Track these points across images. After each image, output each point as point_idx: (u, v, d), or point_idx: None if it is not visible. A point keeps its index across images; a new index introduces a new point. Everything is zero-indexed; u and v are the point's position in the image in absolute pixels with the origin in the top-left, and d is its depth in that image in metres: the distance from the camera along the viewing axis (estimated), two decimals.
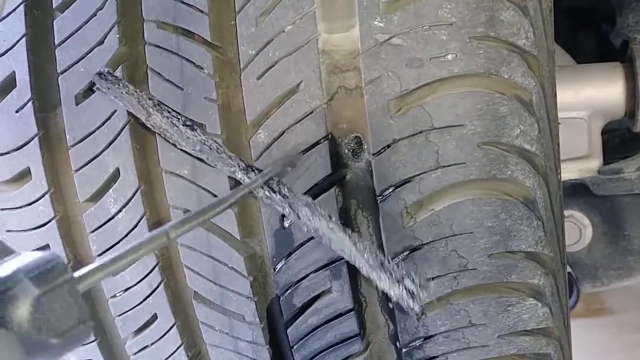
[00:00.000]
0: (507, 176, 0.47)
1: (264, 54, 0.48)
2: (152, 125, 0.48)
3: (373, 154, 0.47)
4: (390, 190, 0.48)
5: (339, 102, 0.48)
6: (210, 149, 0.47)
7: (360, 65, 0.47)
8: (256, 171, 0.47)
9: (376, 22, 0.46)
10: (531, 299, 0.49)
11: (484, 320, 0.49)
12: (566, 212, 0.92)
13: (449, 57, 0.45)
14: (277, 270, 0.52)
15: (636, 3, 0.81)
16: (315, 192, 0.49)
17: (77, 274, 0.25)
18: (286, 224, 0.50)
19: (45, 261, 0.23)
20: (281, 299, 0.53)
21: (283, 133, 0.49)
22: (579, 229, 0.93)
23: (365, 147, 0.48)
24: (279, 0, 0.47)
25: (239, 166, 0.47)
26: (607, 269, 0.95)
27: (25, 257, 0.23)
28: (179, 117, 0.48)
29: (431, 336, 0.50)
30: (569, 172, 0.80)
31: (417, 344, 0.51)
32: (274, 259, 0.52)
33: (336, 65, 0.48)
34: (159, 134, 0.48)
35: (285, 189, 0.46)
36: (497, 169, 0.47)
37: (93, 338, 0.58)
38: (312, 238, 0.50)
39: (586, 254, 0.94)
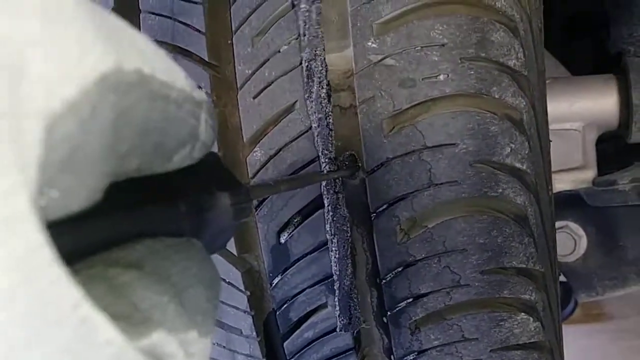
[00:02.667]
0: (498, 194, 0.48)
1: (260, 73, 0.49)
2: (306, 67, 0.47)
3: (367, 172, 0.48)
4: (384, 207, 0.48)
5: (333, 121, 0.49)
6: (326, 125, 0.48)
7: (354, 85, 0.47)
8: (335, 167, 0.48)
9: (370, 43, 0.47)
10: (523, 313, 0.50)
11: (477, 334, 0.50)
12: (561, 223, 0.93)
13: (441, 77, 0.46)
14: (273, 285, 0.53)
15: (629, 15, 0.82)
16: (310, 208, 0.50)
17: None
18: (282, 240, 0.51)
19: (244, 199, 0.24)
20: (278, 313, 0.54)
21: (279, 151, 0.50)
22: (574, 240, 0.94)
23: (360, 165, 0.49)
24: (275, 21, 0.48)
25: (329, 154, 0.48)
26: (601, 279, 0.95)
27: (228, 176, 0.24)
28: (328, 84, 0.48)
29: (425, 350, 0.51)
30: (564, 183, 0.80)
31: (411, 358, 0.51)
32: (271, 274, 0.53)
33: (330, 84, 0.48)
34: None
35: (342, 196, 0.48)
36: (489, 187, 0.48)
37: None
38: (308, 254, 0.51)
39: (581, 264, 0.95)
